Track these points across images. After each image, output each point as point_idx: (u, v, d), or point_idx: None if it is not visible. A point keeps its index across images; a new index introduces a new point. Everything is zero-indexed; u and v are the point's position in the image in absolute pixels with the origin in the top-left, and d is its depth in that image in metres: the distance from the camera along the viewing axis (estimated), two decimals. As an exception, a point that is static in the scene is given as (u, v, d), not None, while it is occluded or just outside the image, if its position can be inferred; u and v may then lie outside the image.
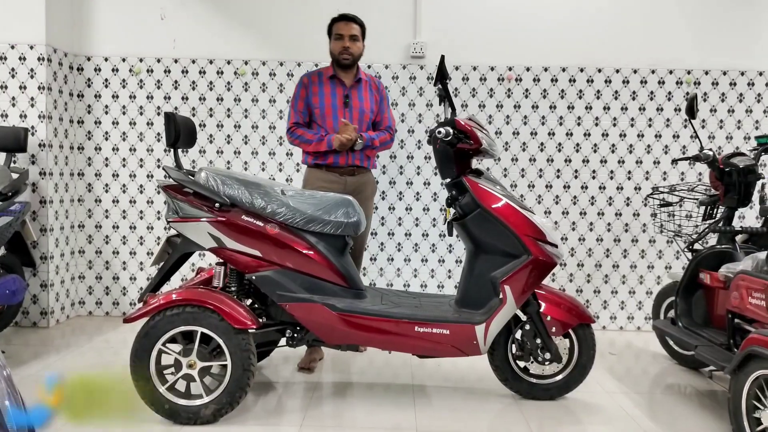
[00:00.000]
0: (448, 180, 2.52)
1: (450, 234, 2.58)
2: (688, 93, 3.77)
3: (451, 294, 2.77)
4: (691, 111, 2.74)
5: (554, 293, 2.57)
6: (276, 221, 2.36)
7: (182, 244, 2.41)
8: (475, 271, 2.49)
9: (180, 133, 2.43)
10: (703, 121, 3.80)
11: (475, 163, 2.64)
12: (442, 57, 2.45)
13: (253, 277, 2.35)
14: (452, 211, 2.54)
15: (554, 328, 2.48)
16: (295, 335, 2.47)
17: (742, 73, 3.78)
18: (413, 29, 3.77)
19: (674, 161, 3.23)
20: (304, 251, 2.37)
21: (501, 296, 2.38)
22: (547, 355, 2.48)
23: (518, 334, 2.53)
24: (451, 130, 2.38)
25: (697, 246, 2.97)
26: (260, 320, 2.35)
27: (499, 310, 2.38)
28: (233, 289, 2.43)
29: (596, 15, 3.77)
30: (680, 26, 3.77)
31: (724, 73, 3.78)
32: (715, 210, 2.95)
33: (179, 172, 2.42)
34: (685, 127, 3.79)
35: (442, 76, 2.45)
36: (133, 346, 2.22)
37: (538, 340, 2.49)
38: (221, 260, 2.42)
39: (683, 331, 2.76)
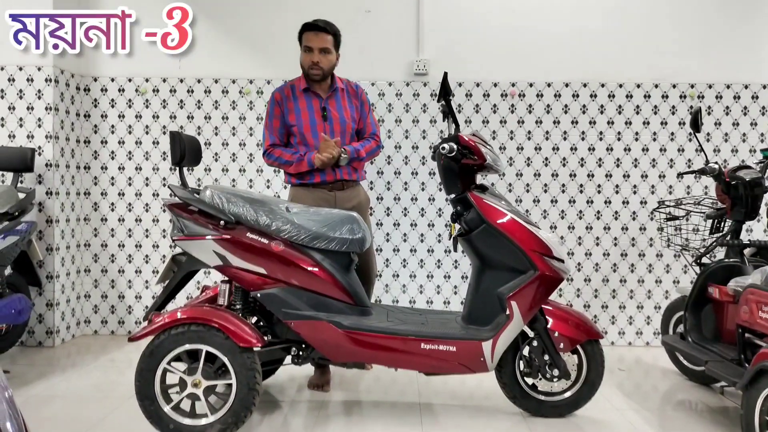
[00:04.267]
0: (452, 196, 2.52)
1: (455, 250, 2.57)
2: (692, 106, 3.77)
3: (458, 311, 2.75)
4: (696, 124, 2.74)
5: (562, 309, 2.55)
6: (281, 238, 2.36)
7: (187, 262, 2.40)
8: (482, 287, 2.48)
9: (185, 151, 2.45)
10: (708, 134, 3.79)
11: (479, 179, 2.63)
12: (445, 74, 2.47)
13: (258, 295, 2.34)
14: (457, 226, 2.53)
15: (562, 344, 2.45)
16: (301, 353, 2.45)
17: (746, 86, 3.77)
18: (416, 46, 3.79)
19: (680, 175, 3.22)
20: (310, 268, 2.36)
21: (508, 312, 2.36)
22: (556, 372, 2.45)
23: (526, 351, 2.51)
24: (455, 146, 2.38)
25: (705, 260, 2.94)
26: (265, 338, 2.34)
27: (506, 327, 2.35)
28: (238, 306, 2.42)
29: (599, 30, 3.80)
30: (683, 40, 3.79)
31: (728, 87, 3.78)
32: (723, 223, 2.93)
33: (184, 190, 2.43)
34: (690, 140, 3.78)
35: (445, 92, 2.45)
36: (137, 365, 2.20)
37: (546, 357, 2.46)
38: (226, 278, 2.42)
39: (693, 346, 2.73)
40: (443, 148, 2.38)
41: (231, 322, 2.21)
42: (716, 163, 2.76)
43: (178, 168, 2.52)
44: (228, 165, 3.83)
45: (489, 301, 2.44)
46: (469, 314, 2.51)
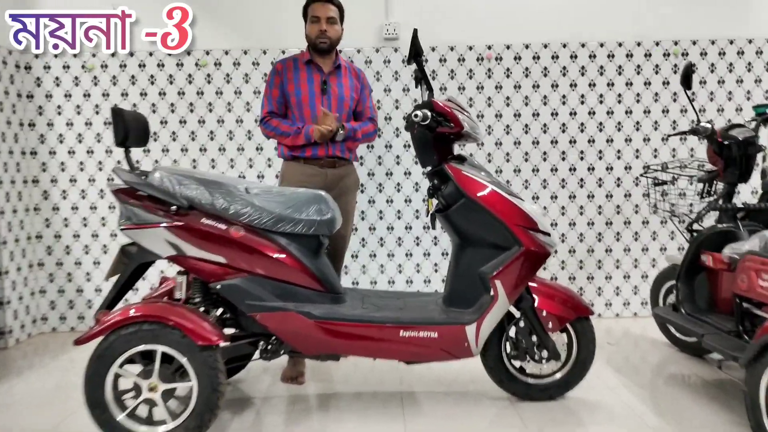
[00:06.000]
0: (428, 168, 2.31)
1: (434, 227, 2.37)
2: (676, 65, 3.59)
3: (438, 291, 2.57)
4: (687, 80, 2.56)
5: (548, 285, 2.38)
6: (241, 223, 2.13)
7: (138, 254, 2.17)
8: (462, 266, 2.29)
9: (129, 130, 2.19)
10: (693, 93, 3.62)
11: (457, 149, 2.43)
12: (415, 31, 2.22)
13: (218, 287, 2.12)
14: (434, 201, 2.33)
15: (550, 324, 2.29)
16: (269, 347, 2.25)
17: (731, 42, 3.60)
18: (384, 9, 3.54)
19: (668, 137, 3.05)
20: (274, 255, 2.14)
21: (492, 292, 2.18)
22: (545, 353, 2.30)
23: (512, 332, 2.34)
24: (429, 113, 2.16)
25: (696, 226, 2.79)
26: (232, 332, 2.14)
27: (491, 308, 2.18)
28: (197, 300, 2.20)
29: (577, -13, 3.58)
30: (665, -5, 3.60)
31: (713, 43, 3.60)
32: (713, 186, 2.78)
33: (131, 173, 2.19)
34: (675, 101, 3.62)
35: (416, 52, 2.21)
36: (85, 371, 1.98)
37: (534, 338, 2.30)
38: (183, 269, 2.20)
39: (687, 318, 2.59)
40: (416, 116, 2.16)
41: (188, 319, 1.99)
42: (709, 122, 2.59)
43: (123, 149, 2.27)
44: (187, 144, 3.56)
45: (471, 281, 2.25)
46: (450, 296, 2.32)
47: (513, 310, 2.31)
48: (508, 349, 2.36)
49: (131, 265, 2.20)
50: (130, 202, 2.15)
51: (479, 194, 2.20)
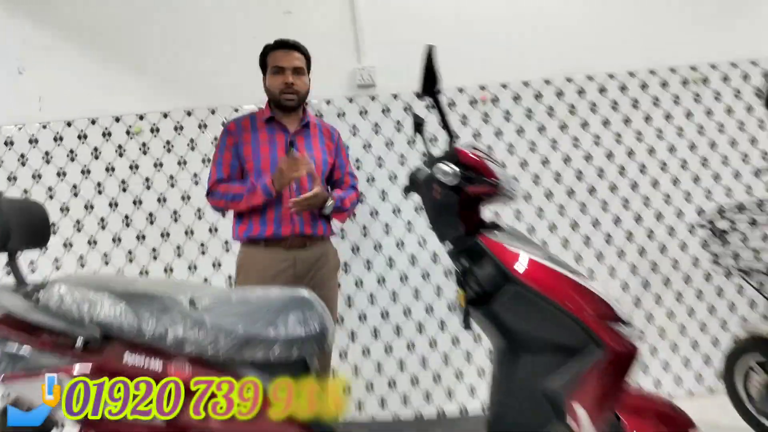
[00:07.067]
0: (450, 246, 1.64)
1: (467, 325, 1.68)
2: (698, 93, 3.10)
3: (473, 409, 1.84)
4: (773, 102, 2.02)
5: (635, 396, 1.69)
6: (186, 355, 1.40)
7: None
8: (517, 380, 1.59)
9: (11, 228, 1.47)
10: (721, 125, 3.12)
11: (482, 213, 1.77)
12: (430, 48, 1.58)
13: (155, 462, 1.36)
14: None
15: (650, 453, 1.60)
16: None
17: (754, 63, 3.15)
18: (356, 52, 2.96)
19: (757, 172, 2.49)
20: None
21: (569, 420, 1.48)
22: (648, 498, 1.59)
23: (595, 468, 1.63)
24: (458, 170, 1.51)
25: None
26: None
27: (572, 446, 1.47)
28: (125, 481, 1.43)
29: (577, 14, 3.10)
30: (675, 17, 3.14)
31: (734, 66, 3.14)
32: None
33: (16, 292, 1.45)
34: (702, 134, 3.10)
35: (431, 82, 1.58)
36: None
37: (631, 477, 1.59)
38: (99, 435, 1.43)
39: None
40: (445, 174, 1.50)
41: None
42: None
43: (7, 254, 1.54)
44: (121, 233, 2.81)
45: (532, 403, 1.55)
46: (498, 424, 1.61)
47: (595, 438, 1.61)
48: (594, 497, 1.64)
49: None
50: (12, 338, 1.40)
51: (533, 276, 1.53)
